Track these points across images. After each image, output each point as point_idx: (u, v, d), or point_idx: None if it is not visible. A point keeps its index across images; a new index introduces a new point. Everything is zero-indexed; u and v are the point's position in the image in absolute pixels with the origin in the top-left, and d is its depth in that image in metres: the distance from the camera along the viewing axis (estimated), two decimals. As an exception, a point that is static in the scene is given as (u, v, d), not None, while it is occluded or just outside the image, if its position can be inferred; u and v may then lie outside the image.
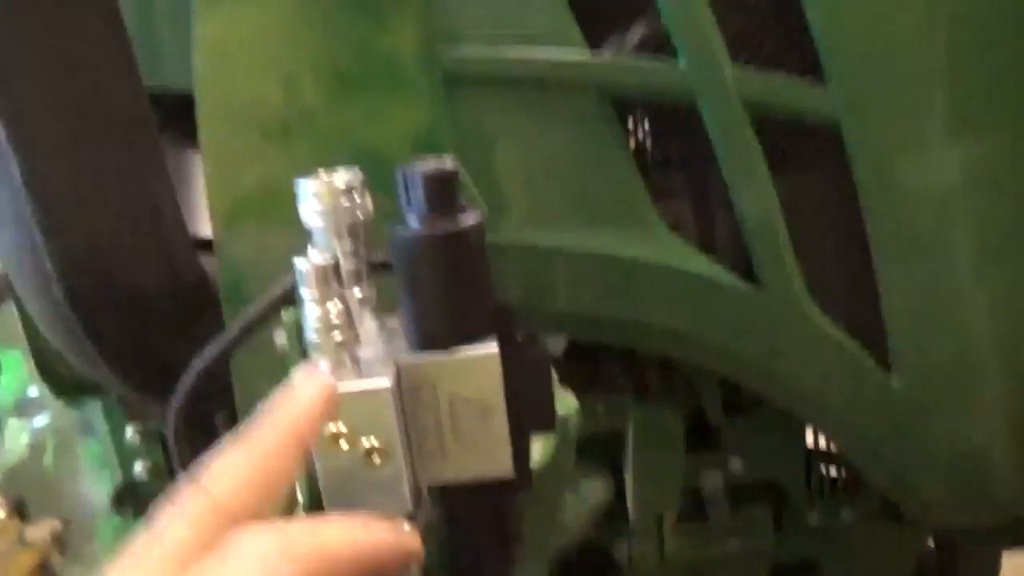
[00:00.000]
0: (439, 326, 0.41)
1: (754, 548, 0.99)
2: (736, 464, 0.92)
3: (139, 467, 0.96)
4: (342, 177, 0.44)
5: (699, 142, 0.75)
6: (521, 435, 0.43)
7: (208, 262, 0.68)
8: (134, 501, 0.98)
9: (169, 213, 0.58)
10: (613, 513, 0.95)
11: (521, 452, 0.43)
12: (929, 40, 0.70)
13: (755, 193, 0.73)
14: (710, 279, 0.75)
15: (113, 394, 0.84)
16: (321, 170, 0.44)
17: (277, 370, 0.59)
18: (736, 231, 0.76)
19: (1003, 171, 0.75)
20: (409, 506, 0.41)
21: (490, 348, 0.41)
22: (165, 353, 0.61)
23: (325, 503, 0.41)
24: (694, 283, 0.75)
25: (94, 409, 0.94)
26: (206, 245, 0.67)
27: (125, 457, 0.95)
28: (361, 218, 0.44)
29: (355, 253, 0.45)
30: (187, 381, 0.52)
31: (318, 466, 0.40)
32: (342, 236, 0.44)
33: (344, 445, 0.40)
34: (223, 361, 0.53)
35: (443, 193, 0.40)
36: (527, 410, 0.43)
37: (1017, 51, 0.72)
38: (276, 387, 0.64)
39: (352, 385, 0.39)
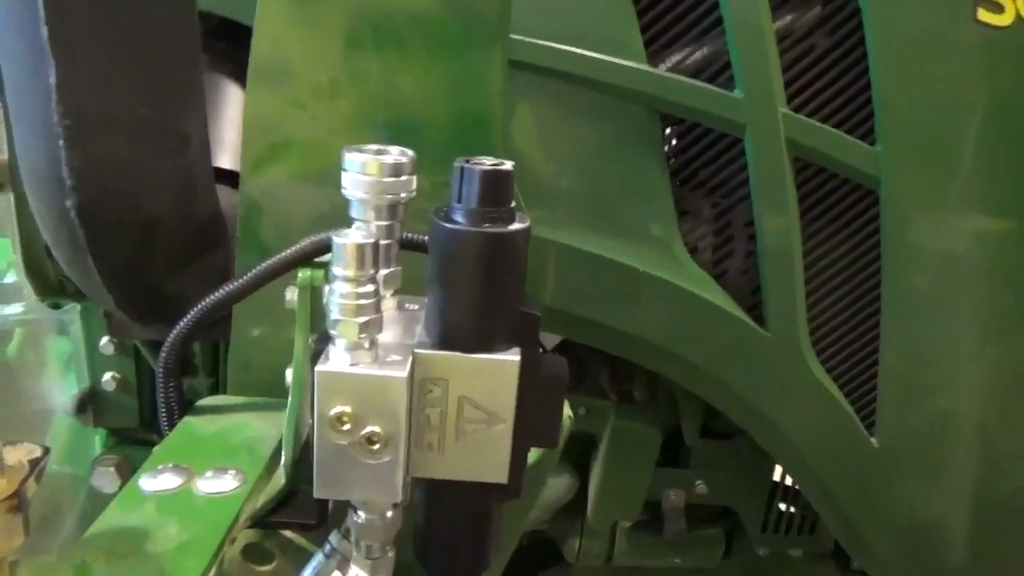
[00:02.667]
0: (464, 324, 0.40)
1: (700, 567, 1.01)
2: (701, 487, 0.93)
3: (107, 377, 0.94)
4: (393, 154, 0.42)
5: (733, 171, 0.75)
6: (522, 446, 0.43)
7: (221, 194, 0.66)
8: (95, 409, 0.97)
9: (197, 145, 0.55)
10: (569, 510, 0.96)
11: (519, 462, 0.43)
12: (979, 122, 0.70)
13: (780, 231, 0.73)
14: (718, 309, 0.75)
15: (99, 308, 0.82)
16: (374, 145, 0.43)
17: (276, 323, 0.58)
18: (750, 266, 0.76)
19: (1020, 256, 0.76)
20: (399, 496, 0.41)
21: (511, 356, 0.41)
22: (163, 282, 0.59)
23: (316, 478, 0.41)
24: (702, 309, 0.75)
25: (72, 311, 0.93)
26: (221, 175, 0.66)
27: (96, 365, 0.94)
28: (403, 197, 0.43)
29: (390, 232, 0.44)
30: (191, 320, 0.51)
31: (316, 441, 0.39)
32: (381, 213, 0.43)
33: (347, 426, 0.39)
34: (228, 304, 0.52)
35: (498, 193, 0.39)
36: (533, 423, 0.42)
37: None
38: (271, 338, 0.63)
39: (368, 369, 0.38)
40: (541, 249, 0.71)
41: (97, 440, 1.02)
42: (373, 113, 0.53)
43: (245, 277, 0.50)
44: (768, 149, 0.69)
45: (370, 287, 0.38)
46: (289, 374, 0.51)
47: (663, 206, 0.73)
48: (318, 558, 0.49)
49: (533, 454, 0.56)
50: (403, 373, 0.38)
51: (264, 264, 0.49)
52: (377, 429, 0.39)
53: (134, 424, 0.94)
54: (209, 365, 0.88)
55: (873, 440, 0.79)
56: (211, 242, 0.60)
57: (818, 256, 0.76)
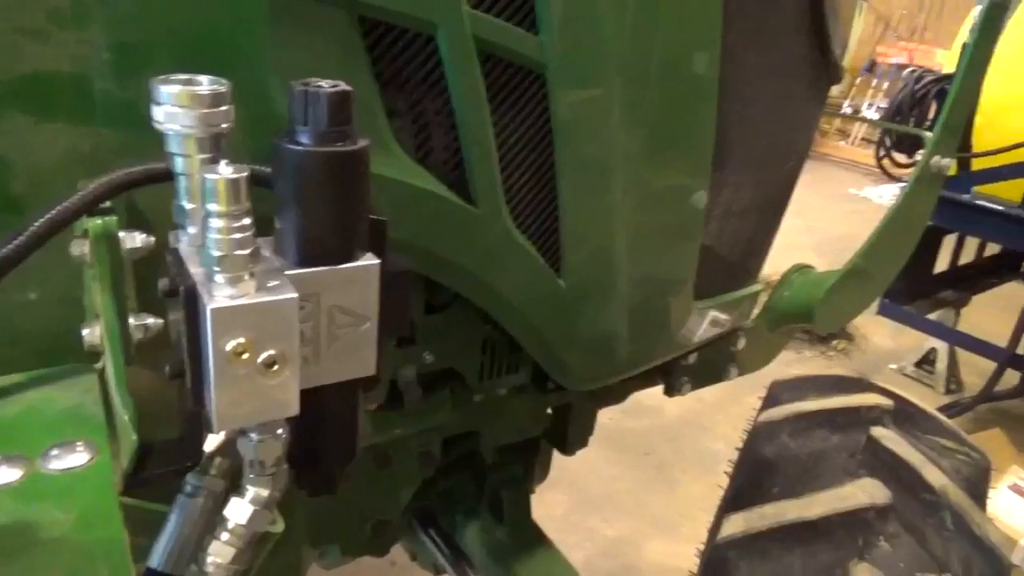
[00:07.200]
0: (328, 240, 0.43)
1: (435, 426, 1.15)
2: (428, 357, 1.05)
3: None
4: (207, 84, 0.42)
5: (425, 67, 0.82)
6: (383, 337, 0.48)
7: None
8: None
9: None
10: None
11: (381, 352, 0.48)
12: (616, 12, 0.88)
13: (476, 121, 0.84)
14: (433, 195, 0.84)
15: None
16: (181, 75, 0.41)
17: (52, 282, 0.50)
18: (453, 153, 0.86)
19: (634, 113, 0.98)
20: (297, 408, 0.44)
21: (371, 260, 0.45)
22: None
23: (216, 414, 0.41)
24: (419, 198, 0.83)
25: None
26: None
27: None
28: (225, 129, 0.43)
29: (213, 164, 0.44)
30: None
31: (215, 378, 0.40)
32: (204, 146, 0.42)
33: (245, 356, 0.40)
34: (2, 271, 0.45)
35: (342, 113, 0.42)
36: (389, 315, 0.48)
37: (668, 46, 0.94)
38: (47, 301, 0.54)
39: (260, 297, 0.40)
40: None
41: None
42: (134, 34, 0.48)
43: (22, 236, 0.44)
44: (458, 41, 0.78)
45: (246, 220, 0.39)
46: (88, 333, 0.48)
47: (371, 104, 0.78)
48: (180, 501, 0.49)
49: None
50: (294, 294, 0.41)
51: (43, 219, 0.44)
52: (273, 352, 0.41)
53: None
54: None
55: (561, 282, 0.99)
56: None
57: (505, 137, 0.89)
